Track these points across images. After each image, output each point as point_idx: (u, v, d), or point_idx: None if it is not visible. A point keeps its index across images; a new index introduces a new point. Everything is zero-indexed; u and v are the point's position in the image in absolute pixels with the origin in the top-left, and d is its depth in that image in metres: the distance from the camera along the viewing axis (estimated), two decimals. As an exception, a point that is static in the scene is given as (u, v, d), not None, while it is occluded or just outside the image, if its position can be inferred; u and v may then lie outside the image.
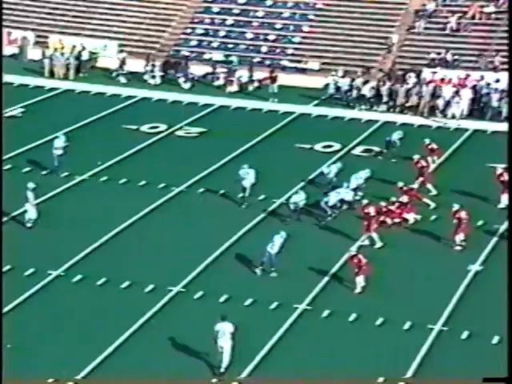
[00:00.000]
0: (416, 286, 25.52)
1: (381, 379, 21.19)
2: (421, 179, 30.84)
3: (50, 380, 20.61)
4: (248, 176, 29.79)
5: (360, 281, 24.94)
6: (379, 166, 32.50)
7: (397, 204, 28.78)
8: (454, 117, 38.14)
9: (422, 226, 28.77)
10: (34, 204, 27.97)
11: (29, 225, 27.91)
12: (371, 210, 27.44)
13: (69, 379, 20.77)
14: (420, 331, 23.32)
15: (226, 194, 30.62)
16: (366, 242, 27.32)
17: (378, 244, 27.28)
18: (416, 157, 31.25)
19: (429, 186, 30.83)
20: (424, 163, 31.22)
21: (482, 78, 39.34)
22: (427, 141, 33.15)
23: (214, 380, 21.07)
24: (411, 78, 39.54)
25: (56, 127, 35.31)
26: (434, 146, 33.11)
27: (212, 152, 34.10)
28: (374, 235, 27.33)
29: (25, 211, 28.04)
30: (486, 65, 40.74)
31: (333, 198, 28.98)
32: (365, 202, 27.95)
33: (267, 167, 31.76)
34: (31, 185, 28.20)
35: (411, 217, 28.80)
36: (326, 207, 28.97)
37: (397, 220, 28.64)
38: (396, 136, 34.03)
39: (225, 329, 21.05)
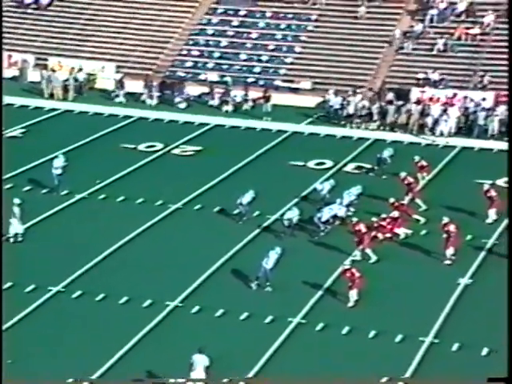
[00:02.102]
0: (407, 299, 25.47)
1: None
2: (410, 195, 30.86)
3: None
4: (245, 197, 29.51)
5: (353, 295, 24.89)
6: (370, 183, 32.51)
7: (388, 219, 28.78)
8: (442, 134, 38.23)
9: (412, 240, 28.76)
10: (20, 219, 27.85)
11: (17, 239, 27.76)
12: (362, 227, 27.43)
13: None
14: (411, 343, 23.26)
15: (222, 211, 30.58)
16: (358, 257, 27.29)
17: (373, 259, 27.25)
18: (402, 174, 31.28)
19: (418, 201, 30.84)
20: (411, 179, 31.24)
21: (468, 97, 39.56)
22: (417, 158, 33.20)
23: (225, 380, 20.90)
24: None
25: (56, 147, 35.28)
26: (424, 163, 33.15)
27: (208, 170, 34.09)
28: (368, 251, 27.30)
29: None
30: (476, 84, 40.90)
31: (326, 213, 28.98)
32: (355, 219, 27.94)
33: (261, 184, 31.72)
34: (17, 200, 28.26)
35: (402, 231, 28.78)
36: (319, 223, 28.95)
37: (388, 235, 28.63)
38: (387, 153, 34.07)
39: (199, 361, 20.65)
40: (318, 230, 28.89)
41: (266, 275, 25.48)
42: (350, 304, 24.81)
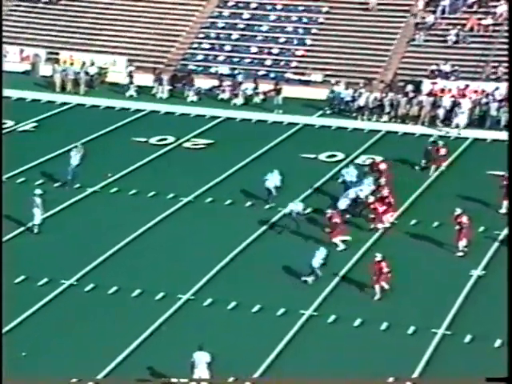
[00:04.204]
0: (419, 290, 25.39)
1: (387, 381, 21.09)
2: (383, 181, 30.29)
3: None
4: (272, 178, 29.97)
5: (380, 287, 24.70)
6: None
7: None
8: (457, 126, 37.97)
9: (424, 232, 28.67)
10: (42, 209, 28.01)
11: (32, 230, 27.95)
12: (337, 219, 27.39)
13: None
14: (424, 335, 23.21)
15: (233, 204, 30.57)
16: (341, 247, 27.20)
17: (341, 247, 27.26)
18: (378, 159, 31.66)
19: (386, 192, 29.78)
20: (383, 167, 31.02)
21: (480, 89, 39.46)
22: (441, 143, 33.05)
23: (231, 379, 20.92)
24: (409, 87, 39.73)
25: (67, 141, 35.35)
26: (443, 151, 32.87)
27: (219, 163, 34.06)
28: (336, 240, 27.27)
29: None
30: (489, 75, 40.73)
31: (342, 203, 28.74)
32: (329, 211, 27.86)
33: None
34: (38, 191, 28.47)
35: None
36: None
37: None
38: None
39: (201, 358, 20.63)
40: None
41: (314, 272, 25.32)
42: (377, 297, 24.68)
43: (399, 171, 32.77)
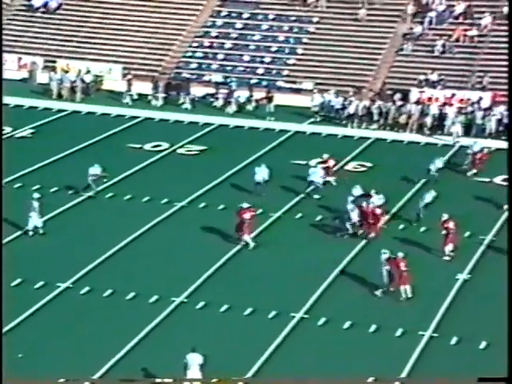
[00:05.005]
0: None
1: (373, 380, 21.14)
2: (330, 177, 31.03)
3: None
4: (260, 172, 30.88)
5: (404, 289, 24.67)
6: (369, 182, 32.45)
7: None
8: (451, 134, 37.93)
9: (412, 236, 28.71)
10: (39, 212, 28.02)
11: (37, 232, 28.00)
12: (246, 216, 27.49)
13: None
14: (411, 337, 23.22)
15: (226, 209, 30.56)
16: (241, 244, 27.36)
17: (251, 245, 27.35)
18: (325, 156, 32.42)
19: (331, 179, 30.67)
20: (330, 163, 32.09)
21: (465, 98, 39.61)
22: (485, 149, 33.58)
23: (214, 380, 20.88)
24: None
25: (64, 147, 35.32)
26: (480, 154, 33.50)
27: (212, 168, 34.07)
28: (247, 237, 27.42)
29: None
30: (474, 84, 40.89)
31: (354, 215, 28.39)
32: (245, 205, 27.88)
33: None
34: (36, 195, 28.67)
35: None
36: (346, 223, 28.38)
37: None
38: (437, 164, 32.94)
39: (194, 360, 20.60)
40: (342, 228, 28.45)
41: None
42: (406, 296, 24.64)
43: (388, 177, 32.91)
